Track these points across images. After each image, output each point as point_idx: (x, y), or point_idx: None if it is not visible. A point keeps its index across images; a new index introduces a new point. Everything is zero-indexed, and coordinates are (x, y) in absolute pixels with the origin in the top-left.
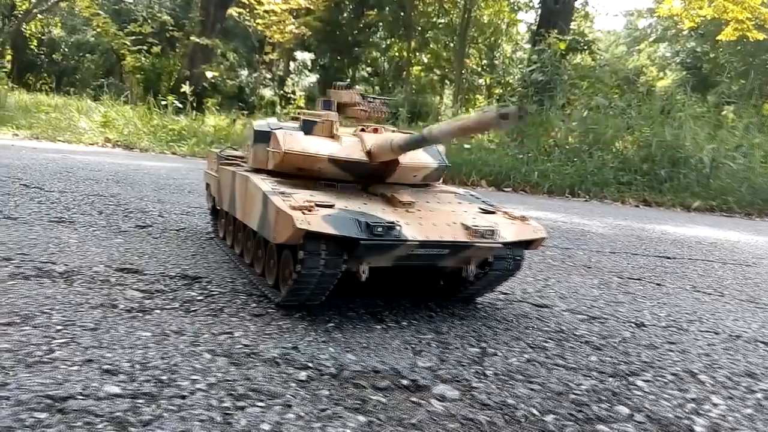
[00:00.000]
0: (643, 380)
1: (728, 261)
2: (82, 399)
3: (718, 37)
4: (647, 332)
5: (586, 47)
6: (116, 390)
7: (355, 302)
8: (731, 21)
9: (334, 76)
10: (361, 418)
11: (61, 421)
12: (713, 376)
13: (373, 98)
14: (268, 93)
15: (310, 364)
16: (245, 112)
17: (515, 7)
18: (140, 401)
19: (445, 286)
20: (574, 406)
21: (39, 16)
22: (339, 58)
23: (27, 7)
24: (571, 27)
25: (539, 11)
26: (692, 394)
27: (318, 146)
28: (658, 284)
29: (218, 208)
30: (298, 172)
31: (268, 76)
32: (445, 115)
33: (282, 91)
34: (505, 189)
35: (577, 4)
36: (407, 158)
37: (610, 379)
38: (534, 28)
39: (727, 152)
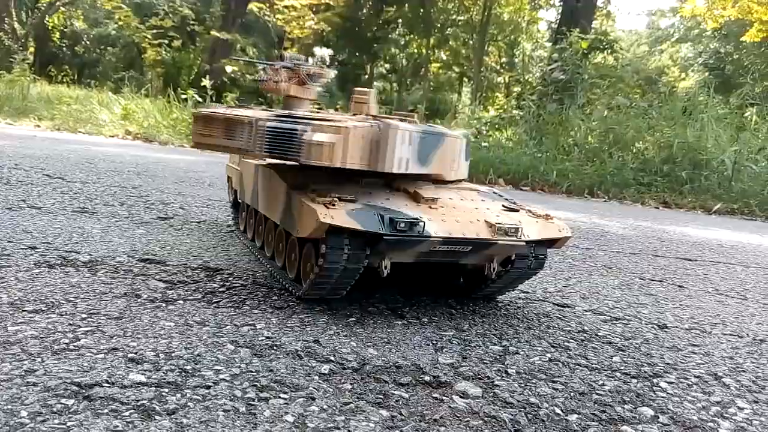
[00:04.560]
0: (667, 382)
1: (750, 264)
2: (108, 387)
3: (742, 38)
4: (670, 334)
5: (608, 46)
6: (141, 378)
7: (375, 297)
8: (756, 22)
9: (352, 72)
10: (384, 413)
11: (88, 408)
12: (738, 379)
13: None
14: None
15: (332, 358)
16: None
17: (536, 5)
18: (165, 390)
19: (465, 283)
20: (598, 407)
21: (62, 8)
22: (357, 54)
23: (50, 0)
24: (593, 26)
25: (560, 9)
26: (717, 397)
27: None
28: (680, 286)
29: (240, 201)
30: None
31: None
32: (463, 113)
33: None
34: (524, 188)
35: (599, 3)
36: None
37: (634, 380)
38: (555, 26)
39: (749, 155)
